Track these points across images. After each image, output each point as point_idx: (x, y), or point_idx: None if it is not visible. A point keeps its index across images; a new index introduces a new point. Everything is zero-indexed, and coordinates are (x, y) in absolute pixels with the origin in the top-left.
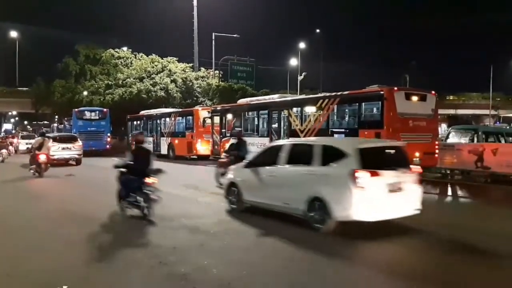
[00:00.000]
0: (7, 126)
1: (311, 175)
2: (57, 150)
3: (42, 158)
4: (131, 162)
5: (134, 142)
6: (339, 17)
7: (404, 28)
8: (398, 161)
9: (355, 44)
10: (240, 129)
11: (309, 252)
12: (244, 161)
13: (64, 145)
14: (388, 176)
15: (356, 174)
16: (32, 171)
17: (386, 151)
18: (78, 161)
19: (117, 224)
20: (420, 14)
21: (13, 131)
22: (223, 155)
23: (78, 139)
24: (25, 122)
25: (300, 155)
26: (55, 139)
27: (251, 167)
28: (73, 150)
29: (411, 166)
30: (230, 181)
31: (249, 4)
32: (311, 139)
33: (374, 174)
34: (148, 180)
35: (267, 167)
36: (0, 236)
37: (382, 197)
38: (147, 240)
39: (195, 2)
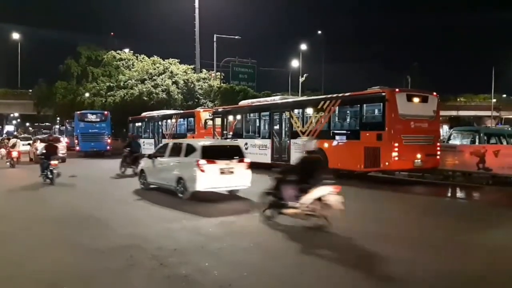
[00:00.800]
0: (9, 127)
1: (179, 163)
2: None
3: (14, 154)
4: (45, 152)
5: (48, 139)
6: (340, 19)
7: (406, 29)
8: (234, 154)
9: (357, 46)
10: (134, 133)
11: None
12: (135, 155)
13: None
14: (221, 163)
15: (199, 162)
16: (8, 163)
17: (224, 147)
18: (63, 159)
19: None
20: (422, 15)
21: (15, 133)
22: (124, 150)
23: (62, 140)
24: (27, 124)
25: (176, 150)
26: (42, 140)
27: (151, 158)
28: (58, 150)
29: (244, 158)
30: (141, 168)
31: (250, 6)
32: (181, 140)
33: (210, 162)
34: (52, 162)
35: (159, 158)
36: None
37: (215, 176)
38: (148, 241)
39: (196, 4)
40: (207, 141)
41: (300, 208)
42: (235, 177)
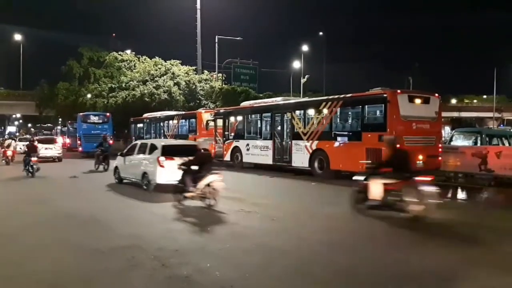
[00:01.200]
0: (11, 128)
1: (144, 159)
2: (41, 150)
3: (9, 153)
4: (26, 150)
5: (30, 140)
6: (341, 20)
7: (407, 29)
8: (192, 152)
9: (358, 46)
10: (106, 133)
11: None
12: (105, 153)
13: (47, 146)
14: (179, 160)
15: (159, 159)
16: (4, 161)
17: (182, 146)
18: (59, 159)
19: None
20: (423, 16)
21: (17, 134)
22: (97, 149)
23: (58, 140)
24: (29, 125)
25: (142, 149)
26: (39, 141)
27: (123, 156)
28: (54, 149)
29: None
30: (115, 164)
31: (252, 7)
32: (147, 141)
33: (169, 158)
34: (32, 159)
35: (129, 156)
36: None
37: (174, 171)
38: (149, 242)
39: (198, 5)
40: (167, 141)
41: (196, 192)
42: None
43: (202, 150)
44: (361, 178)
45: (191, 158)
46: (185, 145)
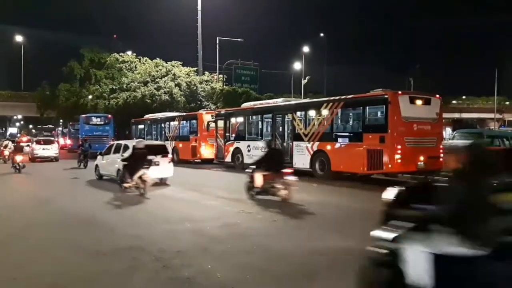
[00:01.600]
0: (12, 130)
1: (119, 158)
2: (39, 150)
3: (6, 153)
4: (13, 150)
5: (16, 142)
6: (342, 21)
7: (408, 31)
8: (160, 151)
9: (359, 48)
10: (85, 135)
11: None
12: (85, 153)
13: (44, 146)
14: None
15: None
16: (1, 159)
17: (151, 146)
18: (56, 159)
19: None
20: (424, 18)
21: (18, 135)
22: (78, 149)
23: (55, 141)
24: (30, 126)
25: (118, 149)
26: (37, 142)
27: (102, 156)
28: (51, 150)
29: (168, 154)
30: (96, 163)
31: (253, 8)
32: (122, 142)
33: None
34: (18, 158)
35: (107, 155)
36: None
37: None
38: (151, 243)
39: (199, 7)
40: (138, 141)
41: (131, 183)
42: (160, 169)
43: (138, 149)
44: (250, 171)
45: (128, 155)
46: (155, 145)
